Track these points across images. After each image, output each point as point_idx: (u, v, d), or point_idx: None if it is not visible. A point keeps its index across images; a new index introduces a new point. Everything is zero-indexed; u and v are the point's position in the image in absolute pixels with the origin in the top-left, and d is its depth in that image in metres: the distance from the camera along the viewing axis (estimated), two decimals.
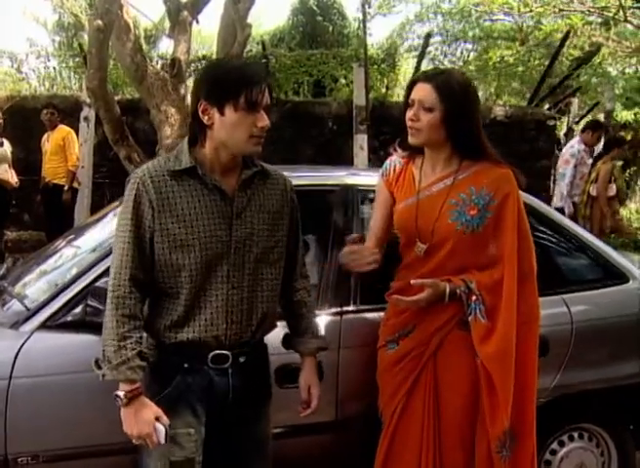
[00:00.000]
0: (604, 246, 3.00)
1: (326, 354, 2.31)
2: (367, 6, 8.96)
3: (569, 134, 9.96)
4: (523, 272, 2.25)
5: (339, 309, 2.56)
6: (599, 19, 14.05)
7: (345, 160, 7.37)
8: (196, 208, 1.88)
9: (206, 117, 1.85)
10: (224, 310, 1.92)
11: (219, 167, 1.93)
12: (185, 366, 1.94)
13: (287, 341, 2.22)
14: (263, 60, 8.21)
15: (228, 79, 1.83)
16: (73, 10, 12.98)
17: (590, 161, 7.08)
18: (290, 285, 2.17)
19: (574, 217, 6.51)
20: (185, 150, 1.90)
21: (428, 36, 9.13)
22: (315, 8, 10.88)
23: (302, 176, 2.78)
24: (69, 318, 2.28)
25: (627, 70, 19.09)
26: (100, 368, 1.83)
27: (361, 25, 9.22)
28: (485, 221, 2.24)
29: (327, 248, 2.64)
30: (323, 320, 2.48)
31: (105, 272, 2.22)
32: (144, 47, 5.72)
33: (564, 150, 7.31)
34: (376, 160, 7.84)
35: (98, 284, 2.30)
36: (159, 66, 5.88)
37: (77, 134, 7.40)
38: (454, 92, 2.21)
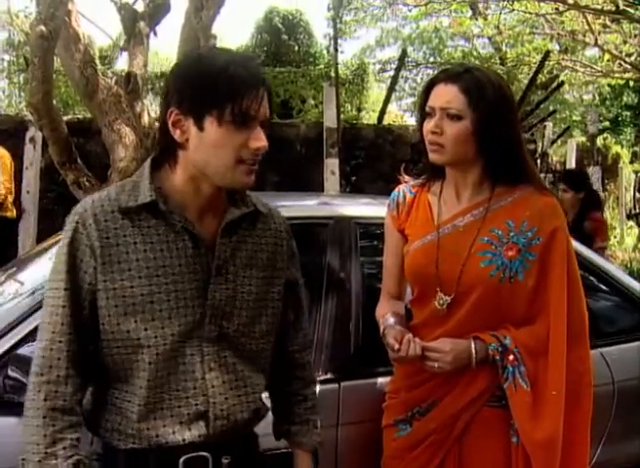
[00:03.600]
0: None
1: (322, 433, 1.80)
2: (338, 21, 8.55)
3: (544, 158, 9.70)
4: (572, 330, 1.75)
5: (336, 375, 2.05)
6: (557, 47, 14.11)
7: (315, 186, 6.91)
8: (157, 259, 1.35)
9: (178, 132, 1.33)
10: (204, 402, 1.38)
11: (194, 203, 1.39)
12: None
13: (279, 428, 1.65)
14: None
15: (211, 78, 1.29)
16: (23, 27, 12.39)
17: None
18: (286, 358, 1.62)
19: None
20: (146, 177, 1.38)
21: (404, 53, 8.70)
22: (280, 26, 10.45)
23: (287, 207, 2.28)
24: None
25: (585, 97, 19.39)
26: None
27: (331, 43, 8.82)
28: (527, 266, 1.75)
29: (319, 296, 2.14)
30: (316, 389, 1.97)
31: None
32: (99, 67, 5.17)
33: None
34: (347, 186, 7.40)
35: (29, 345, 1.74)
36: (113, 82, 5.33)
37: (23, 156, 6.86)
38: (487, 94, 1.72)
